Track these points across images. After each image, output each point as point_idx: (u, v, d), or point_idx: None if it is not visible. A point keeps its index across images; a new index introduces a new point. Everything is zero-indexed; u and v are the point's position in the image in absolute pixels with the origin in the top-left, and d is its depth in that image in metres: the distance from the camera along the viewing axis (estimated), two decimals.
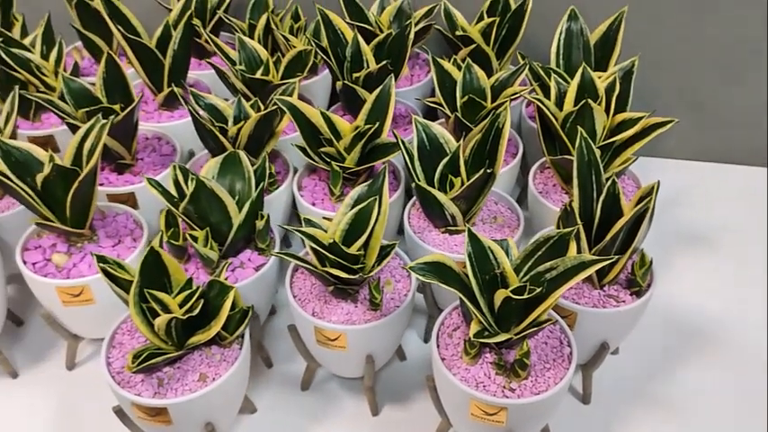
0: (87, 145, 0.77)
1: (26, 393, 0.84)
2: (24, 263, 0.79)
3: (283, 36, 1.05)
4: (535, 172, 0.93)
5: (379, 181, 0.74)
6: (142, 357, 0.63)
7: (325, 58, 0.95)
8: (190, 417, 0.67)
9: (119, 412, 0.70)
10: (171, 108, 1.04)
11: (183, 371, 0.67)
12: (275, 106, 0.84)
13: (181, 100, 0.92)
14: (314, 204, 0.87)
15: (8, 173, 0.74)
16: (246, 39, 0.99)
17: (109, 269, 0.65)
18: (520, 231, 0.83)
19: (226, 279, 0.67)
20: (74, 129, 0.85)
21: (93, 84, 0.91)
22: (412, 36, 0.94)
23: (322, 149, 0.86)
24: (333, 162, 0.84)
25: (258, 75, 0.94)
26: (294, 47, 1.03)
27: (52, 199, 0.76)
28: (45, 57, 1.01)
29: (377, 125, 0.84)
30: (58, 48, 1.00)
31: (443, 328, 0.71)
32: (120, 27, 0.94)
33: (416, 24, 1.08)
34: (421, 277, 0.62)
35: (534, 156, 1.00)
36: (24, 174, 0.76)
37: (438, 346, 0.69)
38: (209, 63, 0.95)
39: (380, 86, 0.86)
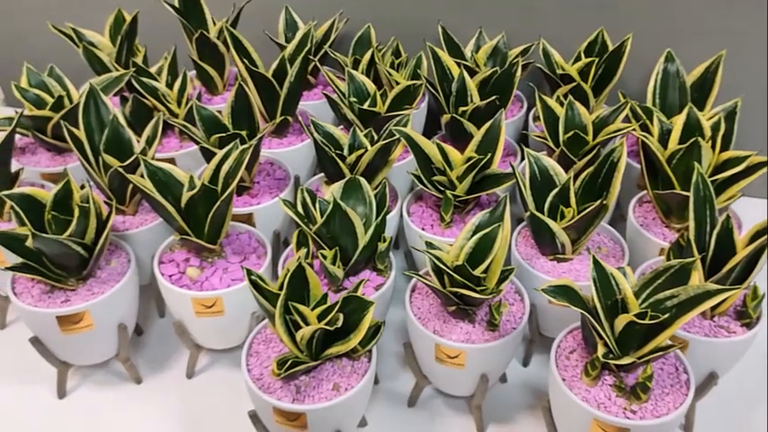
0: (225, 167, 0.83)
1: (150, 399, 0.90)
2: (162, 275, 0.85)
3: (386, 71, 1.12)
4: (634, 206, 0.96)
5: (500, 209, 0.78)
6: (287, 365, 0.68)
7: (433, 92, 1.01)
8: (324, 423, 0.71)
9: (253, 416, 0.75)
10: (280, 135, 1.10)
11: (317, 380, 0.72)
12: (394, 136, 0.90)
13: (304, 128, 0.98)
14: (423, 229, 0.92)
15: (154, 191, 0.81)
16: (355, 72, 1.06)
17: (258, 281, 0.70)
18: (625, 261, 0.86)
19: (363, 295, 0.71)
20: (206, 152, 0.92)
21: (219, 111, 0.98)
22: (519, 74, 0.99)
23: (435, 178, 0.91)
24: (447, 190, 0.89)
25: (366, 106, 1.01)
26: (397, 81, 1.09)
27: (193, 216, 0.82)
28: (170, 86, 1.09)
29: (489, 156, 0.89)
30: (182, 78, 1.08)
31: (560, 351, 0.75)
32: (245, 60, 1.02)
33: (514, 62, 1.14)
34: (552, 298, 0.66)
35: (624, 190, 1.04)
36: (165, 192, 0.83)
37: (557, 367, 0.72)
38: (325, 95, 1.01)
39: (491, 120, 0.91)
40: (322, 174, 1.01)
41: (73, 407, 0.89)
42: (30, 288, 0.83)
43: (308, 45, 1.06)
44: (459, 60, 1.10)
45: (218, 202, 0.81)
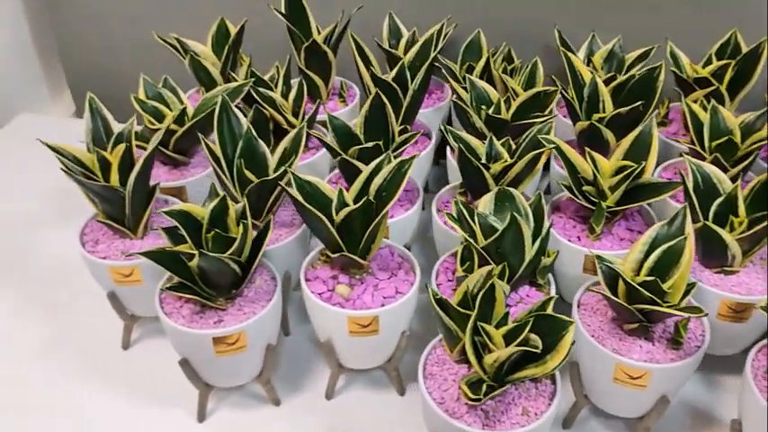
0: (378, 180, 0.80)
1: (291, 421, 0.87)
2: (312, 293, 0.82)
3: (503, 77, 1.08)
4: None
5: (678, 220, 0.75)
6: (484, 390, 0.65)
7: (568, 98, 0.98)
8: None
9: None
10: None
11: (504, 404, 0.69)
12: (539, 145, 0.87)
13: (451, 139, 0.95)
14: (570, 241, 0.89)
15: (310, 205, 0.78)
16: (476, 79, 1.03)
17: (445, 301, 0.67)
18: None
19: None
20: (345, 165, 0.89)
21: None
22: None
23: (584, 188, 0.87)
24: (600, 200, 0.86)
25: (490, 112, 0.98)
26: (512, 88, 1.06)
27: (348, 231, 0.79)
28: (284, 96, 1.06)
29: (643, 165, 0.85)
30: (298, 88, 1.04)
31: (754, 370, 0.71)
32: (372, 68, 0.99)
33: (631, 66, 1.11)
34: None
35: None
36: (314, 206, 0.80)
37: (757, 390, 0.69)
38: (454, 102, 0.98)
39: (640, 126, 0.88)
40: (454, 184, 0.98)
41: (214, 430, 0.86)
42: (178, 308, 0.80)
43: (435, 51, 1.03)
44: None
45: (379, 218, 0.78)
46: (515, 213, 0.81)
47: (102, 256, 0.88)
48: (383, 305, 0.80)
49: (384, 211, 0.78)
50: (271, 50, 1.22)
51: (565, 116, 1.13)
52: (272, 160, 0.89)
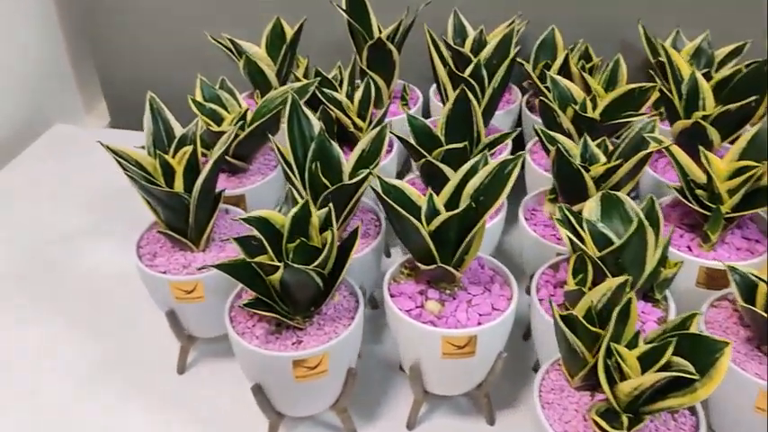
0: (474, 183, 0.71)
1: None
2: (399, 310, 0.73)
3: (583, 75, 1.00)
4: None
5: None
6: (624, 422, 0.56)
7: (669, 94, 0.89)
8: None
9: None
10: None
11: None
12: (644, 146, 0.78)
13: (542, 140, 0.87)
14: (680, 250, 0.80)
15: (403, 211, 0.69)
16: (558, 77, 0.94)
17: (574, 318, 0.58)
18: None
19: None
20: (429, 168, 0.80)
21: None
22: None
23: (697, 192, 0.79)
24: (717, 206, 0.77)
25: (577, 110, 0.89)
26: (594, 87, 0.98)
27: (443, 240, 0.70)
28: (349, 97, 0.98)
29: (765, 166, 0.77)
30: (365, 87, 0.97)
31: None
32: (450, 64, 0.91)
33: (722, 63, 1.03)
34: None
35: None
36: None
37: None
38: (541, 101, 0.90)
39: (759, 124, 0.79)
40: (542, 190, 0.89)
41: None
42: (251, 327, 0.72)
43: (512, 49, 0.95)
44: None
45: (478, 226, 0.69)
46: (619, 220, 0.73)
47: (161, 270, 0.80)
48: (479, 323, 0.72)
49: (483, 219, 0.69)
50: (327, 51, 1.15)
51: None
52: (348, 164, 0.81)
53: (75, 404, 0.84)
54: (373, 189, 0.69)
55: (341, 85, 0.99)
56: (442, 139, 0.85)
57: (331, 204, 0.69)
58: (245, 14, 1.27)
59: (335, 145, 0.81)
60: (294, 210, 0.68)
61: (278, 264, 0.64)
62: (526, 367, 0.88)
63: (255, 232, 0.70)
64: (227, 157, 0.91)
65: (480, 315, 0.73)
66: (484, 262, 0.80)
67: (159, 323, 0.90)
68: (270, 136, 0.81)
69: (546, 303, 0.74)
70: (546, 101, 0.89)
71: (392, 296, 0.75)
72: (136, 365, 0.89)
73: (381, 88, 1.09)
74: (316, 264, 0.65)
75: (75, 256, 1.07)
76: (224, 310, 0.73)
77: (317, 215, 0.69)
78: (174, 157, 0.78)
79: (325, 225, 0.69)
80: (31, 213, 1.16)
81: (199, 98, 0.92)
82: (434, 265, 0.70)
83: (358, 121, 0.95)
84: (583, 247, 0.68)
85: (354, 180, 0.75)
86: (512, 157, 0.70)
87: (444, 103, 0.97)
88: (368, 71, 1.06)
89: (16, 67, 1.34)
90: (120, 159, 0.74)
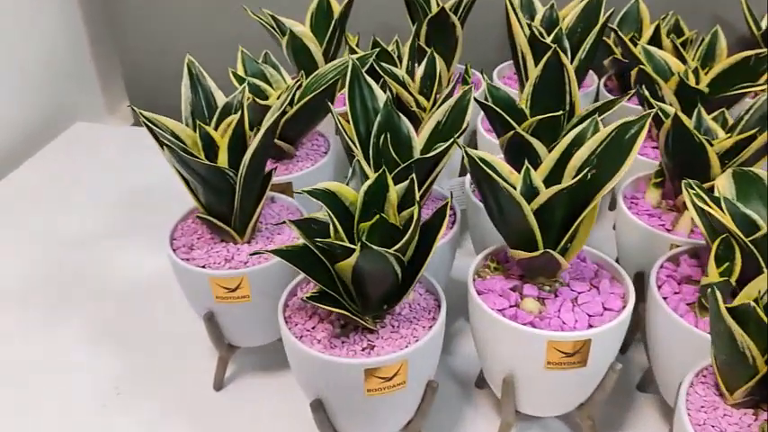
0: (581, 154, 0.59)
1: None
2: (493, 310, 0.60)
3: (677, 48, 0.88)
4: None
5: None
6: None
7: None
8: None
9: None
10: None
11: None
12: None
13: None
14: None
15: (506, 184, 0.56)
16: (653, 48, 0.82)
17: (754, 312, 0.45)
18: None
19: None
20: (516, 143, 0.68)
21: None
22: None
23: None
24: None
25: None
26: (689, 61, 0.85)
27: (546, 223, 0.58)
28: (410, 73, 0.86)
29: None
30: (429, 61, 0.84)
31: None
32: (533, 28, 0.79)
33: None
34: None
35: None
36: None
37: None
38: (641, 68, 0.77)
39: None
40: (644, 174, 0.76)
41: None
42: (311, 330, 0.59)
43: (602, 15, 0.83)
44: None
45: (592, 204, 0.56)
46: (758, 201, 0.60)
47: (200, 264, 0.67)
48: (591, 325, 0.58)
49: (598, 196, 0.56)
50: (378, 29, 1.03)
51: None
52: (419, 140, 0.69)
53: (100, 423, 0.71)
54: (468, 156, 0.56)
55: (400, 61, 0.87)
56: (527, 111, 0.72)
57: (413, 176, 0.56)
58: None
59: (404, 118, 0.69)
60: (368, 182, 0.55)
61: (352, 246, 0.51)
62: (626, 384, 0.74)
63: (317, 214, 0.58)
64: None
65: (590, 316, 0.59)
66: (585, 254, 0.66)
67: (192, 332, 0.78)
68: (329, 104, 0.69)
69: (675, 301, 0.60)
70: (646, 70, 0.76)
71: (479, 293, 0.62)
72: (165, 381, 0.76)
73: (441, 70, 0.97)
74: (396, 248, 0.52)
75: (100, 259, 0.95)
76: (276, 310, 0.61)
77: (395, 190, 0.56)
78: (216, 129, 0.66)
79: (405, 202, 0.56)
80: (49, 215, 1.05)
81: (240, 72, 0.81)
82: (538, 252, 0.57)
83: (421, 98, 0.82)
84: (734, 228, 0.54)
85: (435, 152, 0.62)
86: (633, 118, 0.57)
87: (523, 78, 0.85)
88: (426, 47, 0.94)
89: (37, 65, 1.25)
90: (152, 127, 0.62)
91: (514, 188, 0.57)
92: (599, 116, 0.61)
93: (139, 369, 0.78)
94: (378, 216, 0.53)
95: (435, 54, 0.92)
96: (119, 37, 1.33)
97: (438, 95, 0.84)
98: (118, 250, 0.96)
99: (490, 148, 0.86)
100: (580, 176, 0.54)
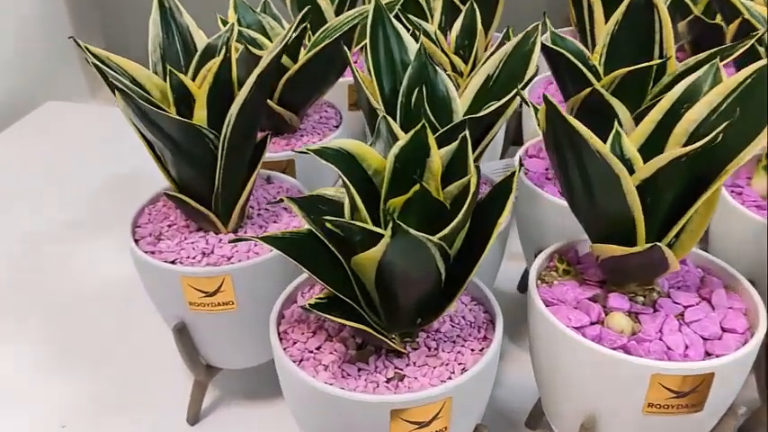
0: (698, 110, 0.42)
1: None
2: (568, 327, 0.43)
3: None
4: None
5: None
6: None
7: None
8: None
9: None
10: None
11: None
12: None
13: None
14: None
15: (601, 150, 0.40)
16: (749, 2, 0.66)
17: None
18: None
19: None
20: (593, 103, 0.51)
21: None
22: None
23: None
24: None
25: None
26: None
27: (651, 204, 0.41)
28: (443, 31, 0.70)
29: None
30: (466, 15, 0.68)
31: None
32: None
33: None
34: None
35: None
36: None
37: None
38: (747, 20, 0.61)
39: None
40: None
41: None
42: (314, 351, 0.42)
43: None
44: None
45: (717, 182, 0.39)
46: None
47: (168, 258, 0.51)
48: (708, 353, 0.42)
49: (725, 172, 0.40)
50: None
51: None
52: (461, 102, 0.52)
53: None
54: (547, 103, 0.39)
55: (434, 14, 0.71)
56: (600, 69, 0.56)
57: (466, 133, 0.39)
58: None
59: (441, 72, 0.52)
60: (401, 142, 0.39)
61: (379, 231, 0.34)
62: None
63: (325, 189, 0.42)
64: (271, 103, 0.62)
65: (705, 339, 0.43)
66: (686, 256, 0.50)
67: (165, 350, 0.61)
68: (345, 49, 0.52)
69: None
70: (752, 22, 0.60)
71: (546, 305, 0.45)
72: (126, 412, 0.59)
73: (480, 32, 0.81)
74: (442, 234, 0.36)
75: (63, 256, 0.78)
76: (268, 323, 0.44)
77: (438, 154, 0.39)
78: (194, 79, 0.50)
79: (452, 172, 0.40)
80: (2, 203, 0.89)
81: (232, 19, 0.65)
82: (641, 247, 0.40)
83: (457, 60, 0.66)
84: None
85: (490, 108, 0.46)
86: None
87: (587, 37, 0.69)
88: (462, 5, 0.78)
89: (15, 44, 1.09)
90: (102, 66, 0.45)
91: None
92: (720, 62, 0.44)
93: (94, 397, 0.61)
94: (418, 186, 0.36)
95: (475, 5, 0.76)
96: (102, 15, 1.18)
97: (477, 60, 0.68)
98: (86, 245, 0.80)
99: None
100: (710, 137, 0.38)
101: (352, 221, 0.34)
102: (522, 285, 0.72)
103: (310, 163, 0.64)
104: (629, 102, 0.51)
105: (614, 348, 0.42)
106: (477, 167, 0.36)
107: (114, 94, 0.44)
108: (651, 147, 0.44)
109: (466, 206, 0.36)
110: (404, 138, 0.40)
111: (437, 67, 0.52)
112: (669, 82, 0.53)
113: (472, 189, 0.36)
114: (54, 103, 1.13)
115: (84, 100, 1.28)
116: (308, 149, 0.37)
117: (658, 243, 0.40)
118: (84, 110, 1.15)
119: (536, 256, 0.57)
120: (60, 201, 0.88)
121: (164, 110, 0.45)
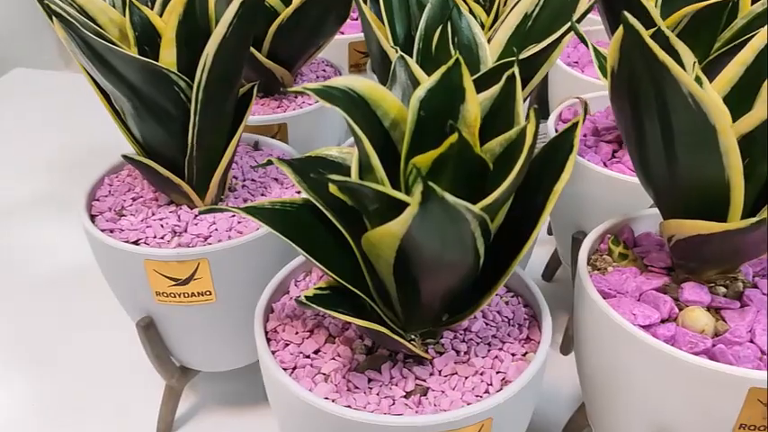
0: None
1: None
2: (636, 326, 0.34)
3: None
4: None
5: None
6: None
7: None
8: None
9: None
10: None
11: None
12: None
13: None
14: None
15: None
16: None
17: None
18: None
19: None
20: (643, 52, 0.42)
21: None
22: None
23: None
24: None
25: None
26: None
27: (750, 167, 0.32)
28: None
29: None
30: None
31: None
32: None
33: None
34: None
35: None
36: None
37: None
38: None
39: None
40: None
41: None
42: (311, 355, 0.33)
43: None
44: None
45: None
46: None
47: (131, 239, 0.41)
48: None
49: None
50: None
51: None
52: (491, 48, 0.43)
53: None
54: (625, 21, 0.30)
55: None
56: (654, 12, 0.46)
57: (515, 70, 0.30)
58: None
59: (466, 12, 0.43)
60: (429, 83, 0.29)
61: (402, 197, 0.25)
62: None
63: (326, 150, 0.32)
64: (258, 55, 0.53)
65: None
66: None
67: (132, 346, 0.51)
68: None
69: None
70: None
71: (604, 296, 0.36)
72: (89, 421, 0.50)
73: None
74: (486, 203, 0.27)
75: (14, 236, 0.69)
76: (253, 319, 0.35)
77: (476, 99, 0.30)
78: (161, 14, 0.40)
79: (492, 123, 0.30)
80: None
81: None
82: (744, 223, 0.31)
83: (478, 9, 0.56)
84: None
85: (534, 49, 0.36)
86: None
87: None
88: None
89: None
90: (52, 3, 0.35)
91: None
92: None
93: (41, 407, 0.51)
94: (455, 136, 0.26)
95: None
96: None
97: (500, 12, 0.58)
98: (41, 224, 0.70)
99: (570, 88, 0.61)
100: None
101: (368, 183, 0.25)
102: (548, 272, 0.63)
103: (306, 126, 0.55)
104: (695, 46, 0.42)
105: (696, 353, 0.32)
106: (537, 111, 0.26)
107: (52, 20, 0.34)
108: (737, 98, 0.35)
109: (519, 166, 0.26)
110: (430, 78, 0.30)
111: (460, 6, 0.43)
112: (744, 25, 0.44)
113: (528, 142, 0.26)
114: (22, 69, 1.03)
115: (58, 69, 1.18)
116: (305, 88, 0.27)
117: (755, 219, 0.30)
118: (54, 77, 1.05)
119: (574, 239, 0.48)
120: (17, 173, 0.78)
121: (117, 45, 0.35)
